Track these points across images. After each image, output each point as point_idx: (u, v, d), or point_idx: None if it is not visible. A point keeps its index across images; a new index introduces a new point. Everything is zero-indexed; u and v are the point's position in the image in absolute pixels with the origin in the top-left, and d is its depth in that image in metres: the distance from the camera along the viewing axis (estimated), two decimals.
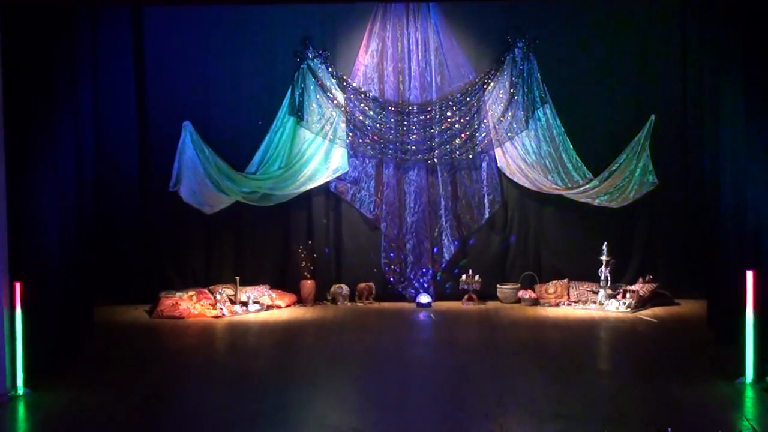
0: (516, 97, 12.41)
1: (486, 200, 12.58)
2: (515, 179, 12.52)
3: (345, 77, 12.42)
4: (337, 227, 12.70)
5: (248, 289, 12.25)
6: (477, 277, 12.38)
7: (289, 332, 11.24)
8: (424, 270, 12.57)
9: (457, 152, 12.50)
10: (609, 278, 12.07)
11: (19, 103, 8.98)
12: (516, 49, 12.37)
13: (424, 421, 8.15)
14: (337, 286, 12.51)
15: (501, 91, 12.45)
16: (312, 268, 12.46)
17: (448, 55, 12.39)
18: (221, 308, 11.92)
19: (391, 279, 12.65)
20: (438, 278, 12.63)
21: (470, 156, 12.53)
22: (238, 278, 12.21)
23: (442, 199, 12.56)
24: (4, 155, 8.74)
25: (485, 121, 12.46)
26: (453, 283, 12.55)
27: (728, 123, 9.90)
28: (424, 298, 12.41)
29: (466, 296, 12.41)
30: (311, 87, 12.40)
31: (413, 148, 12.50)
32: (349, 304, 12.47)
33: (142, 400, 8.69)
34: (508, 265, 12.74)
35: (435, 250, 12.59)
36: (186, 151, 12.28)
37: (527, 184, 12.48)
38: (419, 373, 9.73)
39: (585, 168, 12.40)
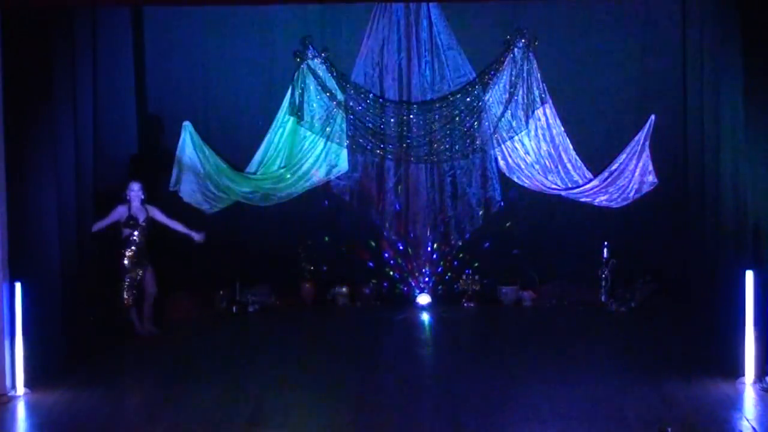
0: (516, 97, 12.41)
1: (486, 200, 12.58)
2: (515, 179, 12.52)
3: (345, 77, 12.43)
4: (338, 227, 12.69)
5: (248, 289, 12.24)
6: (477, 277, 12.37)
7: (288, 333, 11.24)
8: (424, 270, 12.56)
9: (457, 152, 12.50)
10: (609, 278, 12.07)
11: (19, 102, 8.98)
12: (516, 49, 12.37)
13: (424, 421, 8.15)
14: (337, 286, 12.50)
15: (501, 91, 12.45)
16: (312, 268, 12.45)
17: (448, 55, 12.39)
18: (221, 308, 11.91)
19: (392, 278, 12.64)
20: (437, 278, 12.62)
21: (470, 156, 12.53)
22: (238, 279, 12.20)
23: (442, 198, 12.56)
24: (4, 155, 8.74)
25: (485, 121, 12.46)
26: (453, 283, 12.54)
27: (728, 123, 9.90)
28: (423, 298, 12.40)
29: (466, 296, 12.41)
30: (311, 87, 12.40)
31: (413, 147, 12.49)
32: (349, 304, 12.46)
33: (142, 400, 8.69)
34: (508, 265, 12.73)
35: (434, 250, 12.59)
36: (186, 151, 12.29)
37: (527, 184, 12.48)
38: (419, 373, 9.72)
39: (585, 168, 12.40)
